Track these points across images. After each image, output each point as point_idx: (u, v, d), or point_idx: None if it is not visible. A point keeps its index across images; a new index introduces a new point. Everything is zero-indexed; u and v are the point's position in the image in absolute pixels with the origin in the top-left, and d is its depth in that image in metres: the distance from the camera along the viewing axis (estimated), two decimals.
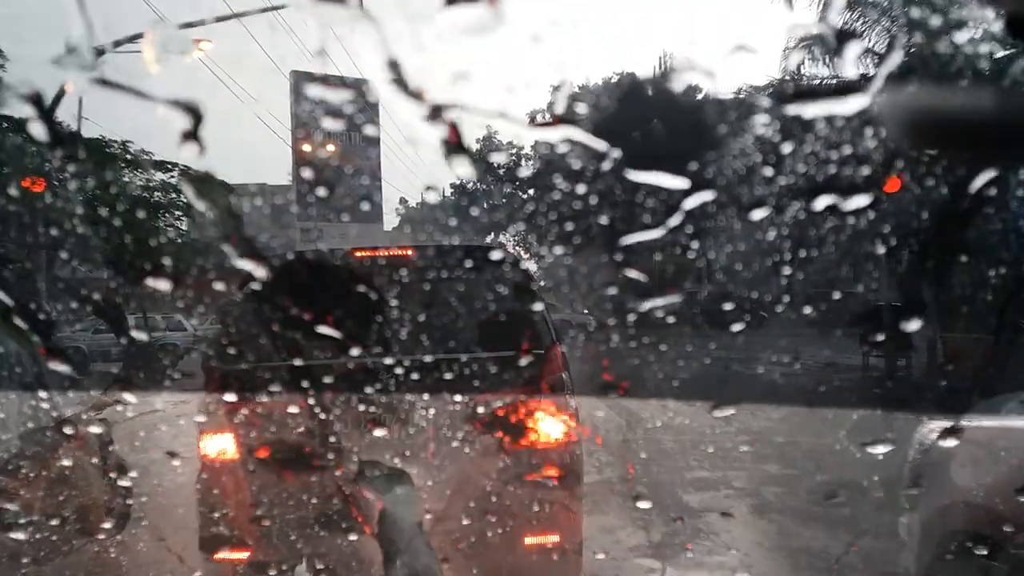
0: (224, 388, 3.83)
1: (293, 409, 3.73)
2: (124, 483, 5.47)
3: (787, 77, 16.66)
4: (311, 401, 3.73)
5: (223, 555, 3.92)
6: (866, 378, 14.86)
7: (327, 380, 3.74)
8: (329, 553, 3.77)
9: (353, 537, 3.58)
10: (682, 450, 8.39)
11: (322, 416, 3.76)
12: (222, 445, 3.83)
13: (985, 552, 2.87)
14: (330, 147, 41.35)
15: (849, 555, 4.88)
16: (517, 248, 34.96)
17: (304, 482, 3.71)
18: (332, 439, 3.76)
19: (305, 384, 3.72)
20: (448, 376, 3.87)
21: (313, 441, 3.77)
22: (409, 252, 4.32)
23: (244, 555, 3.85)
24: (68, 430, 4.49)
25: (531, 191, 33.35)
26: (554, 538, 3.91)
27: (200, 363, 6.29)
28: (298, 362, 3.71)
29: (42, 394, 4.40)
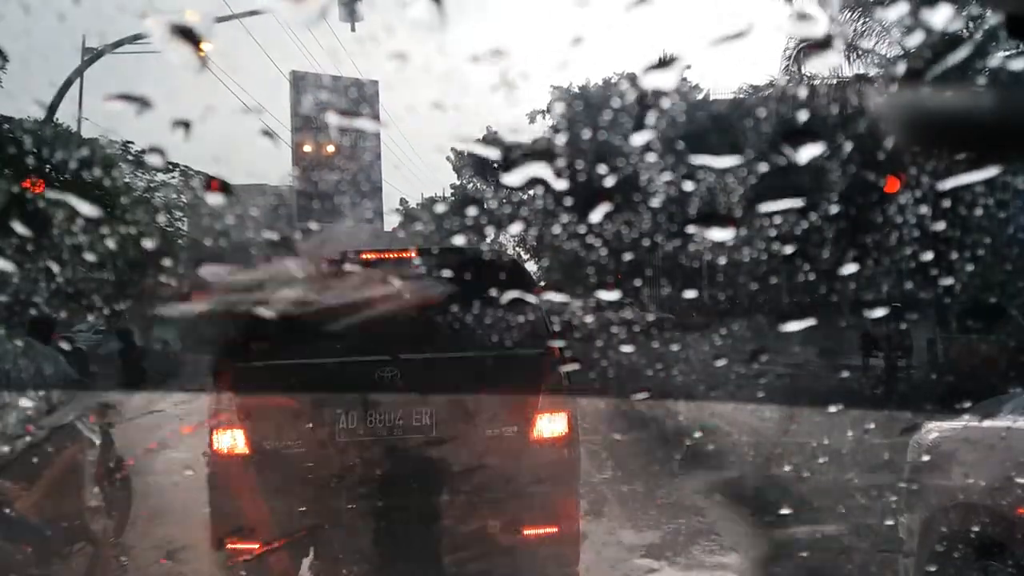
0: (234, 385, 3.89)
1: (300, 405, 3.81)
2: (124, 483, 5.47)
3: (788, 77, 16.68)
4: (317, 397, 3.80)
5: (233, 546, 3.99)
6: (866, 378, 14.87)
7: (333, 378, 3.80)
8: (336, 545, 3.82)
9: (360, 529, 3.65)
10: (680, 449, 8.39)
11: (328, 412, 3.83)
12: (232, 440, 3.88)
13: (985, 553, 2.88)
14: (330, 147, 41.36)
15: (848, 555, 4.88)
16: (517, 248, 34.98)
17: (312, 477, 3.76)
18: (337, 434, 3.82)
19: (311, 381, 3.78)
20: (450, 374, 3.91)
21: (319, 436, 3.82)
22: (413, 254, 4.41)
23: (254, 546, 3.91)
24: (68, 431, 4.49)
25: (531, 191, 33.35)
26: (552, 531, 3.94)
27: (212, 360, 6.32)
28: (305, 360, 3.77)
29: (41, 395, 4.40)
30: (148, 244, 16.59)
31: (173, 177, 19.26)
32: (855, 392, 13.76)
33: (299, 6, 1.17)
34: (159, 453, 8.55)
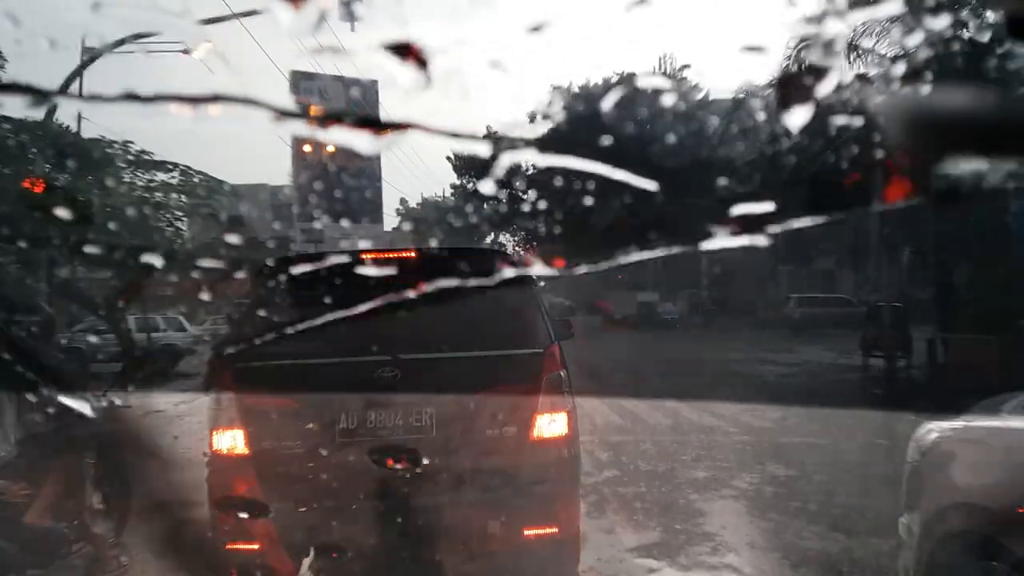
0: (235, 384, 3.89)
1: (300, 405, 3.81)
2: (124, 484, 5.47)
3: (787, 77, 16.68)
4: (317, 397, 3.80)
5: (234, 546, 4.00)
6: (866, 378, 14.87)
7: (333, 378, 3.80)
8: (336, 545, 3.83)
9: (359, 529, 3.65)
10: (681, 449, 8.40)
11: (328, 412, 3.83)
12: (233, 440, 3.89)
13: (985, 553, 2.88)
14: (330, 147, 41.35)
15: (848, 555, 4.88)
16: (517, 249, 35.00)
17: (311, 477, 3.76)
18: (337, 435, 3.82)
19: (312, 380, 3.79)
20: (450, 374, 3.92)
21: (319, 436, 3.81)
22: (413, 254, 4.41)
23: (254, 547, 3.92)
24: (67, 432, 4.49)
25: (531, 191, 33.36)
26: (552, 531, 3.94)
27: (209, 360, 6.34)
28: (305, 360, 3.77)
29: (41, 396, 4.40)
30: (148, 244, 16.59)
31: (173, 177, 19.27)
32: (855, 392, 13.77)
33: (299, 10, 1.16)
34: (159, 453, 8.54)
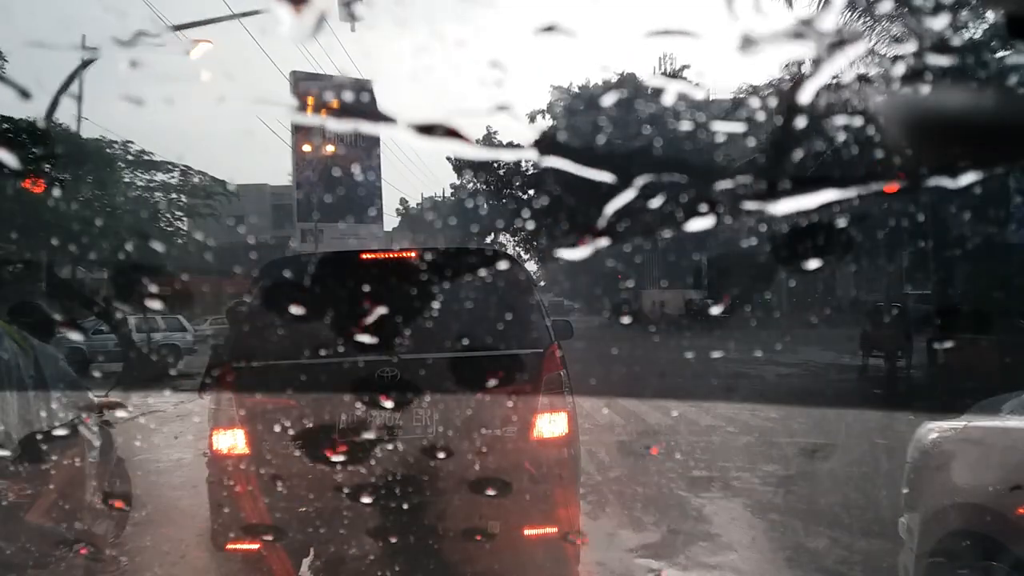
0: (235, 384, 3.90)
1: (300, 405, 3.82)
2: (124, 484, 5.47)
3: (787, 77, 16.68)
4: (317, 397, 3.81)
5: (234, 546, 4.00)
6: (866, 378, 14.87)
7: (333, 378, 3.80)
8: (336, 545, 3.83)
9: (360, 529, 3.65)
10: (681, 448, 8.40)
11: (328, 412, 3.83)
12: (232, 440, 3.89)
13: (985, 553, 2.88)
14: (330, 148, 41.41)
15: (848, 555, 4.88)
16: (516, 249, 35.00)
17: (312, 477, 3.76)
18: (337, 435, 3.83)
19: (312, 380, 3.79)
20: (450, 374, 3.92)
21: (319, 436, 3.82)
22: (412, 255, 4.41)
23: (254, 546, 3.92)
24: (68, 432, 4.48)
25: (531, 192, 33.38)
26: (552, 531, 3.94)
27: (209, 360, 6.34)
28: (305, 360, 3.78)
29: (42, 396, 4.39)
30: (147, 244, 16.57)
31: (173, 177, 19.25)
32: (856, 392, 13.77)
33: (299, 13, 1.16)
34: (159, 453, 8.56)
